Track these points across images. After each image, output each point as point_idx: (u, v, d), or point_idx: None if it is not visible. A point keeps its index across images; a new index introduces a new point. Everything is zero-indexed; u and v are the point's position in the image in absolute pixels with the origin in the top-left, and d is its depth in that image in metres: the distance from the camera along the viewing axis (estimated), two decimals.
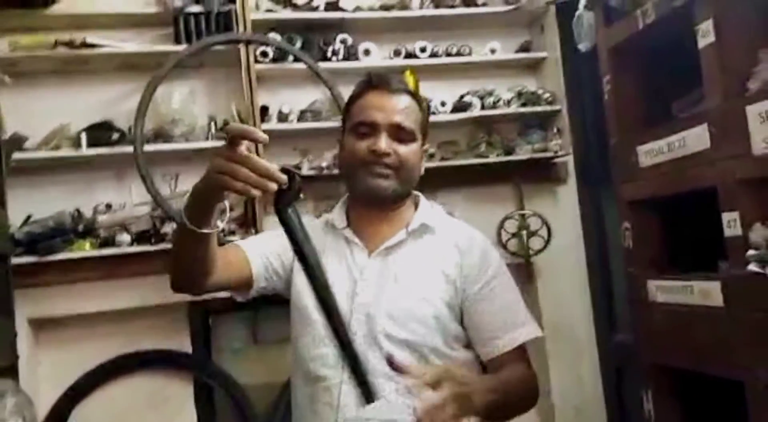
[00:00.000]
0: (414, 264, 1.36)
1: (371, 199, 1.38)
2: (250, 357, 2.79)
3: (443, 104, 2.77)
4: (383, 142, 1.32)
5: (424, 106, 1.42)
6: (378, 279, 1.35)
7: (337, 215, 1.45)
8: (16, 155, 2.33)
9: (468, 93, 2.82)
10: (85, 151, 2.45)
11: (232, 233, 2.51)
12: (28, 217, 2.41)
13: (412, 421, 1.00)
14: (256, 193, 0.97)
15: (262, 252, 1.40)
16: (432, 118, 2.70)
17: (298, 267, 1.41)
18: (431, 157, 2.73)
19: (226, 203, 1.13)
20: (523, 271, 2.84)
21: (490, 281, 1.35)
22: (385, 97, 1.37)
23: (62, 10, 2.40)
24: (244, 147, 0.98)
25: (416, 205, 1.46)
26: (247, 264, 1.37)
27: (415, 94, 1.41)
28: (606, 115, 2.07)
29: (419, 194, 1.49)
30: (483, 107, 2.78)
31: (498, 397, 1.15)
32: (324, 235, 1.43)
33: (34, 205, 2.46)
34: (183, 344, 2.66)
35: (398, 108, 1.35)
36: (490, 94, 2.80)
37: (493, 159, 2.78)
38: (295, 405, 1.43)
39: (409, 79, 2.70)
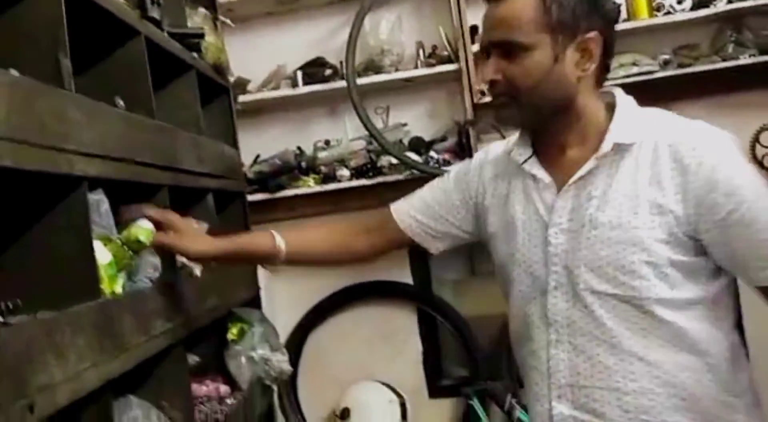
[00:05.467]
0: (612, 198, 1.07)
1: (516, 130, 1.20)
2: (469, 289, 2.76)
3: (680, 1, 2.38)
4: (487, 69, 1.10)
5: None
6: (571, 223, 1.10)
7: (520, 144, 1.19)
8: (241, 98, 2.43)
9: None
10: (302, 89, 2.49)
11: (447, 163, 2.42)
12: (257, 157, 2.53)
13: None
14: None
15: (421, 217, 1.29)
16: (666, 19, 2.38)
17: (492, 225, 1.23)
18: (666, 64, 2.39)
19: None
20: None
21: (740, 204, 1.02)
22: (487, 9, 1.11)
23: None
24: None
25: (611, 107, 1.11)
26: (399, 232, 1.30)
27: None
28: None
29: (612, 91, 1.14)
30: None
31: None
32: (509, 171, 1.21)
33: (259, 145, 2.57)
34: (403, 275, 2.68)
35: (495, 20, 1.09)
36: None
37: (744, 60, 2.35)
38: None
39: None
